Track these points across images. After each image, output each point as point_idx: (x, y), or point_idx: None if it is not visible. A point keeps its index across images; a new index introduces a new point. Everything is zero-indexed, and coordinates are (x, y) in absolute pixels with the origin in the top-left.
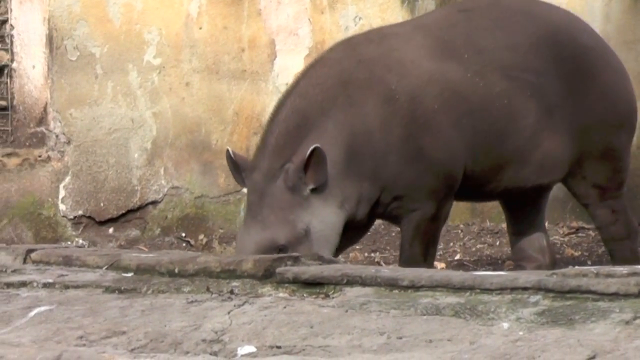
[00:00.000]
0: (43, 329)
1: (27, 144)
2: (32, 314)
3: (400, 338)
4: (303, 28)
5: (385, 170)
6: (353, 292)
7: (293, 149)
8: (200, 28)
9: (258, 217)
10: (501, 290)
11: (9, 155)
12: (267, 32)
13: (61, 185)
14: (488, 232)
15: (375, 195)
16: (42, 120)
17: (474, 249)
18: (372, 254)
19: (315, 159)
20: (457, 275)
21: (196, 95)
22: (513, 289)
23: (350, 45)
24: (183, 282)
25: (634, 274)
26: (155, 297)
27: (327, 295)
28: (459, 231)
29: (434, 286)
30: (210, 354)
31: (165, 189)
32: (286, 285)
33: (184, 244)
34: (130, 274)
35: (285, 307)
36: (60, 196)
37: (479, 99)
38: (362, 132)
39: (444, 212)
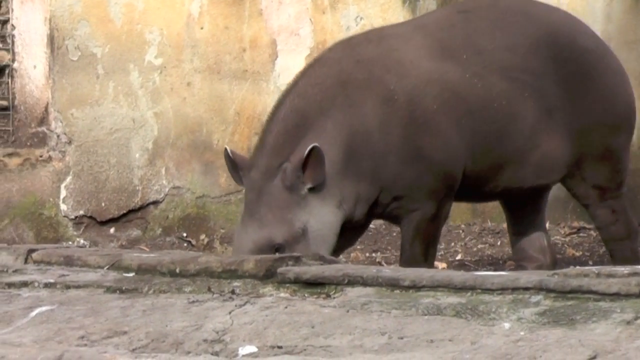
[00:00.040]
0: (44, 329)
1: (29, 144)
2: (33, 314)
3: (402, 338)
4: (304, 28)
5: (384, 171)
6: (354, 292)
7: (291, 148)
8: (202, 28)
9: (255, 216)
10: (502, 290)
11: (10, 155)
12: (269, 32)
13: (62, 185)
14: (489, 232)
15: (373, 196)
16: (43, 120)
17: (475, 249)
18: (374, 254)
19: (313, 158)
20: (459, 276)
21: (197, 95)
22: (514, 289)
23: (349, 45)
24: (184, 282)
25: (635, 274)
26: (157, 297)
27: (328, 295)
28: (460, 231)
29: (435, 286)
30: (212, 354)
31: (167, 189)
32: (287, 285)
33: (185, 244)
34: (131, 274)
35: (286, 307)
36: (62, 196)
37: (477, 99)
38: (361, 132)
39: (444, 212)
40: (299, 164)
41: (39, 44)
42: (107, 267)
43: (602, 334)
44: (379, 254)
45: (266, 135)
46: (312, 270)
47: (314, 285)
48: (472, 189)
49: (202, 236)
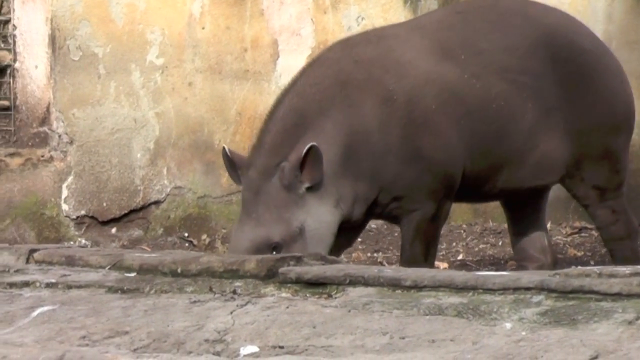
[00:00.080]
0: (46, 329)
1: (30, 144)
2: (34, 314)
3: (403, 338)
4: (306, 28)
5: (383, 171)
6: (356, 292)
7: (290, 148)
8: (203, 28)
9: (253, 215)
10: (504, 290)
11: (11, 155)
12: (270, 32)
13: (64, 185)
14: (491, 232)
15: (372, 196)
16: (44, 120)
17: (476, 249)
18: (375, 254)
19: (311, 158)
20: (460, 275)
21: (199, 95)
22: (516, 289)
23: (348, 45)
24: (186, 282)
25: (637, 274)
26: (158, 297)
27: (329, 295)
28: (462, 231)
29: (436, 286)
30: (213, 354)
31: (168, 189)
32: (289, 285)
33: (187, 244)
34: (133, 274)
35: (287, 307)
36: (63, 196)
37: (476, 100)
38: (360, 132)
39: (444, 212)
40: (297, 163)
41: (40, 44)
42: (108, 267)
43: (604, 334)
44: (380, 254)
45: (264, 135)
46: (314, 270)
47: (316, 285)
48: (471, 189)
49: (204, 236)
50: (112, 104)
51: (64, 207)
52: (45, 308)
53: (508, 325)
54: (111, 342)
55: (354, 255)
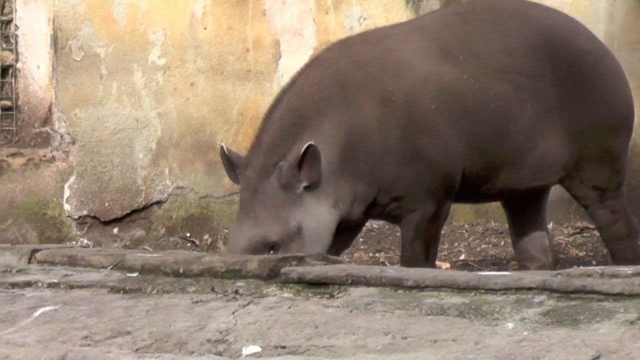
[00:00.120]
0: (48, 329)
1: (32, 144)
2: (37, 314)
3: (405, 338)
4: (308, 28)
5: (382, 171)
6: (358, 292)
7: (287, 147)
8: (205, 28)
9: (250, 214)
10: (506, 290)
11: (13, 155)
12: (272, 32)
13: (66, 185)
14: (493, 232)
15: (371, 196)
16: (46, 120)
17: (478, 249)
18: (377, 254)
19: (309, 157)
20: (462, 276)
21: (201, 95)
22: (518, 289)
23: (347, 45)
24: (188, 282)
25: (639, 274)
26: (160, 297)
27: (331, 296)
28: (464, 231)
29: (438, 286)
30: (215, 354)
31: (170, 189)
32: (291, 285)
33: (189, 244)
34: (135, 274)
35: (290, 307)
36: (65, 196)
37: (474, 101)
38: (359, 133)
39: (444, 212)
40: (295, 162)
41: (42, 44)
42: (110, 267)
43: (606, 334)
44: (382, 254)
45: (262, 134)
46: (316, 270)
47: (318, 285)
48: (470, 189)
49: (206, 236)
50: (114, 104)
51: (66, 207)
52: (47, 308)
53: (510, 325)
54: (113, 342)
55: (355, 255)
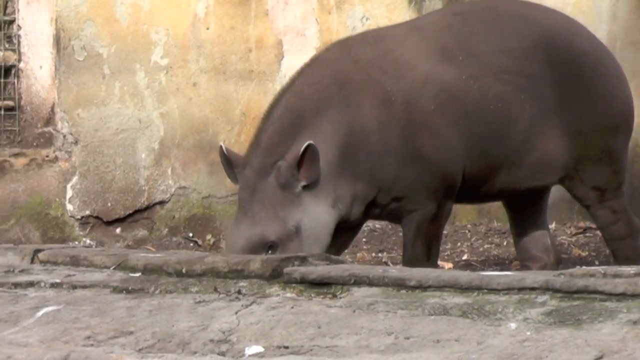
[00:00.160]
0: (51, 329)
1: (35, 144)
2: (39, 314)
3: (408, 338)
4: (310, 28)
5: (382, 172)
6: (360, 292)
7: (286, 147)
8: (208, 28)
9: (249, 214)
10: (508, 290)
11: (16, 155)
12: (275, 32)
13: (68, 186)
14: (495, 233)
15: (370, 196)
16: (49, 120)
17: (481, 249)
18: (380, 254)
19: (309, 156)
20: (465, 276)
21: (203, 95)
22: (520, 289)
23: (346, 45)
24: (190, 282)
25: None
26: (163, 297)
27: (334, 296)
28: (467, 231)
29: (441, 286)
30: (218, 354)
31: (173, 189)
32: (294, 285)
33: (192, 244)
34: (137, 274)
35: (292, 307)
36: (68, 196)
37: (473, 101)
38: (359, 133)
39: (445, 211)
40: (294, 162)
41: (44, 44)
42: (113, 267)
43: (609, 334)
44: (385, 254)
45: (261, 134)
46: (319, 270)
47: (320, 285)
48: (469, 189)
49: (208, 236)
50: (117, 104)
51: (69, 207)
52: (50, 308)
53: (513, 325)
54: (116, 342)
55: (358, 255)
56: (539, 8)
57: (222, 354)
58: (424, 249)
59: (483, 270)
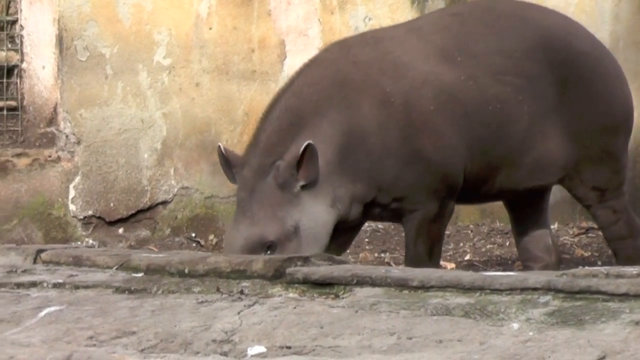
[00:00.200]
0: (53, 329)
1: (37, 144)
2: (42, 314)
3: (410, 338)
4: (313, 28)
5: (382, 172)
6: (363, 293)
7: (285, 147)
8: (210, 28)
9: (247, 214)
10: (511, 290)
11: (19, 155)
12: (277, 32)
13: (71, 186)
14: (498, 233)
15: (369, 196)
16: (52, 120)
17: (483, 250)
18: (382, 254)
19: (308, 156)
20: (467, 276)
21: (206, 95)
22: (523, 290)
23: (345, 46)
24: (193, 283)
25: None
26: (165, 297)
27: (337, 296)
28: (469, 232)
29: (444, 286)
30: (221, 354)
31: (175, 189)
32: (296, 285)
33: (194, 244)
34: (140, 274)
35: (295, 308)
36: (70, 196)
37: (473, 102)
38: (358, 133)
39: (447, 212)
40: (294, 162)
41: (47, 44)
42: (115, 267)
43: (611, 335)
44: (387, 254)
45: (260, 134)
46: (321, 270)
47: (323, 285)
48: (469, 190)
49: (211, 236)
50: (120, 104)
51: (71, 207)
52: (53, 308)
53: (515, 325)
54: (118, 342)
55: (361, 255)
56: (538, 8)
57: (225, 354)
58: (426, 248)
59: (485, 270)
